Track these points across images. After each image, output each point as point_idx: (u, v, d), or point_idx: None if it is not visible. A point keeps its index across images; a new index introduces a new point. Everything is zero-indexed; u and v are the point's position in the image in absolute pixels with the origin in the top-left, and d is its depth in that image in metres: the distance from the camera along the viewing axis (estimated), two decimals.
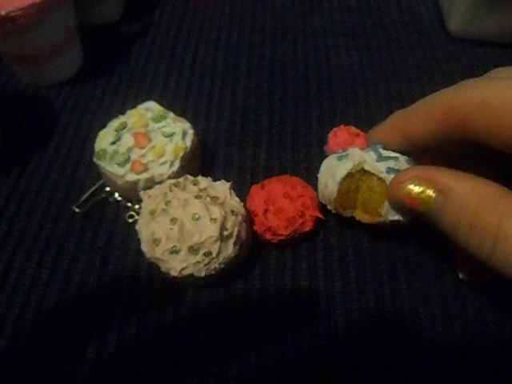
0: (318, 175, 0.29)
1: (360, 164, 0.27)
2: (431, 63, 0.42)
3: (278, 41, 0.44)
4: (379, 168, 0.26)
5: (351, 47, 0.43)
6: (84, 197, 0.32)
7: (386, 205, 0.26)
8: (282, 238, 0.29)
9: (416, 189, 0.22)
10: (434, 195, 0.21)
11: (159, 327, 0.27)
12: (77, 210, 0.31)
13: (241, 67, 0.41)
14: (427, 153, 0.26)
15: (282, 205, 0.29)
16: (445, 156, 0.24)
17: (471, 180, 0.20)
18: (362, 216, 0.28)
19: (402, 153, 0.27)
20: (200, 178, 0.29)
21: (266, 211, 0.29)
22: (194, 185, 0.28)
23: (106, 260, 0.30)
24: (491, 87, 0.20)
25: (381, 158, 0.26)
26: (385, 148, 0.28)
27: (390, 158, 0.26)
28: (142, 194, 0.28)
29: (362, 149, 0.28)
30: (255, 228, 0.29)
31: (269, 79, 0.40)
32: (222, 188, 0.28)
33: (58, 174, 0.34)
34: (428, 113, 0.23)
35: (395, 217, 0.26)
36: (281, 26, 0.45)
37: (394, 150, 0.27)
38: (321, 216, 0.29)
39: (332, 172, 0.27)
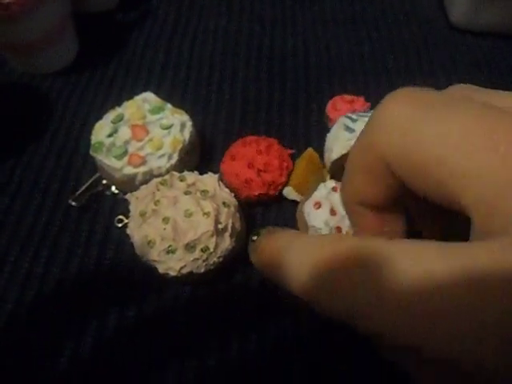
0: (328, 134, 0.31)
1: None
2: (433, 54, 0.41)
3: (277, 30, 0.43)
4: None
5: (352, 37, 0.42)
6: (80, 190, 0.31)
7: None
8: (281, 186, 0.30)
9: None
10: None
11: (157, 321, 0.27)
12: (73, 203, 0.30)
13: (240, 57, 0.40)
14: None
15: (265, 160, 0.30)
16: None
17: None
18: None
19: None
20: (186, 173, 0.28)
21: (258, 172, 0.29)
22: (181, 181, 0.27)
23: (103, 254, 0.29)
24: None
25: None
26: None
27: None
28: (128, 196, 0.28)
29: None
30: (255, 193, 0.30)
31: (268, 69, 0.40)
32: (211, 180, 0.27)
33: (53, 165, 0.33)
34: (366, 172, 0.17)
35: None
36: (280, 16, 0.44)
37: None
38: (293, 150, 0.32)
39: (336, 141, 0.29)
